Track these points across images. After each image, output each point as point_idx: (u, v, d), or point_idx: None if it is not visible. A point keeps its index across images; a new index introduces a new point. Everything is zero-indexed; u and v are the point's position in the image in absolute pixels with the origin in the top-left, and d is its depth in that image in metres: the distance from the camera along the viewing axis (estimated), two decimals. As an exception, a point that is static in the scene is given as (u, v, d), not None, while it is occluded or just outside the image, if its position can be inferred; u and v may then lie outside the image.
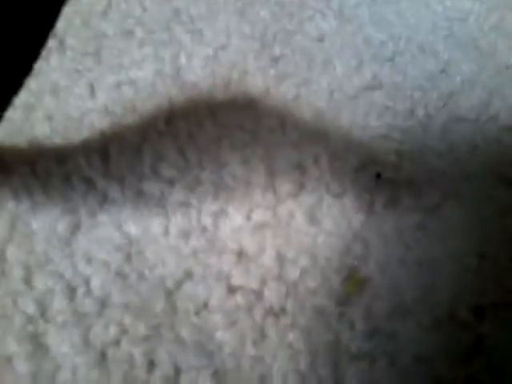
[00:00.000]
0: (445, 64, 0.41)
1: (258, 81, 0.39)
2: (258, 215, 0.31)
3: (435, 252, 0.30)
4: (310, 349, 0.26)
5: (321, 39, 0.42)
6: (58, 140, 0.34)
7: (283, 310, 0.28)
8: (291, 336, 0.27)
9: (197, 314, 0.27)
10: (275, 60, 0.40)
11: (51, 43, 0.40)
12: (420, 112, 0.37)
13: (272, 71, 0.39)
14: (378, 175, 0.33)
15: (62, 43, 0.41)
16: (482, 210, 0.32)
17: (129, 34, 0.42)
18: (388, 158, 0.34)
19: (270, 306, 0.28)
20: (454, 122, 0.37)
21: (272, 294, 0.28)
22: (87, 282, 0.28)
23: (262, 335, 0.27)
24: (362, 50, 0.41)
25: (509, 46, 0.42)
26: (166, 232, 0.30)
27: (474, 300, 0.28)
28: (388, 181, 0.33)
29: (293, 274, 0.29)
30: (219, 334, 0.27)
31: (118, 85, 0.38)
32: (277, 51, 0.41)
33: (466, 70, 0.40)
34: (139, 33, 0.42)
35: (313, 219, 0.31)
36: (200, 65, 0.40)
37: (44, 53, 0.39)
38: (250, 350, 0.26)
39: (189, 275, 0.29)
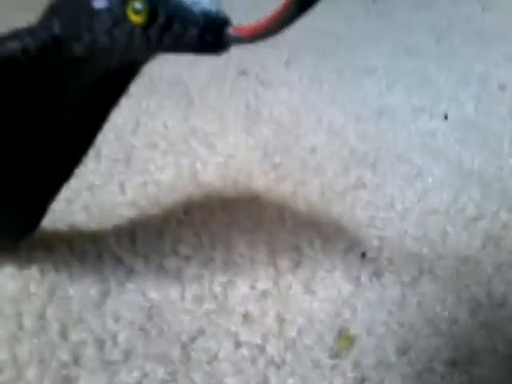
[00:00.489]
0: (418, 169, 0.48)
1: (260, 182, 0.46)
2: (261, 285, 0.36)
3: (414, 317, 0.35)
4: (306, 394, 0.30)
5: (313, 150, 0.51)
6: (92, 225, 0.41)
7: (283, 362, 0.32)
8: (290, 382, 0.31)
9: (208, 363, 0.32)
10: (275, 166, 0.48)
11: (90, 152, 0.48)
12: (398, 206, 0.44)
13: (272, 174, 0.47)
14: (363, 254, 0.39)
15: (98, 153, 0.49)
16: (453, 284, 0.37)
17: (153, 145, 0.50)
18: (372, 242, 0.40)
19: (272, 358, 0.32)
20: (427, 213, 0.43)
21: (273, 349, 0.33)
22: (114, 336, 0.33)
23: (265, 381, 0.31)
24: (348, 159, 0.49)
25: (471, 155, 0.50)
26: (183, 297, 0.35)
27: (450, 356, 0.33)
28: (372, 259, 0.39)
29: (291, 332, 0.34)
30: (228, 380, 0.31)
31: (144, 184, 0.45)
32: (277, 159, 0.49)
33: (437, 173, 0.48)
34: (162, 145, 0.51)
35: (308, 289, 0.36)
36: (213, 169, 0.48)
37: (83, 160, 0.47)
38: (255, 394, 0.30)
39: (201, 332, 0.33)
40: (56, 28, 0.28)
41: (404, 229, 0.42)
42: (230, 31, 0.26)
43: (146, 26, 0.26)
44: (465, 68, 0.68)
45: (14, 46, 0.28)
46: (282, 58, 0.69)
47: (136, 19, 0.26)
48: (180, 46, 0.27)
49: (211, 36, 0.26)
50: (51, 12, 0.28)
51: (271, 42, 0.74)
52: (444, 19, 0.84)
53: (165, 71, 0.65)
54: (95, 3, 0.26)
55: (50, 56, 0.29)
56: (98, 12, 0.26)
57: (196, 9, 0.26)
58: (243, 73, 0.65)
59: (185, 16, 0.25)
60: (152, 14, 0.25)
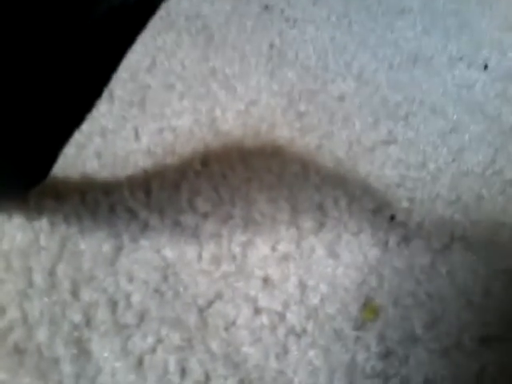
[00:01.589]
0: (454, 124, 0.45)
1: (284, 132, 0.43)
2: (283, 247, 0.34)
3: (443, 288, 0.33)
4: (328, 366, 0.29)
5: (341, 98, 0.47)
6: (105, 175, 0.38)
7: (304, 331, 0.30)
8: (311, 354, 0.29)
9: (226, 329, 0.30)
10: (300, 115, 0.45)
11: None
12: (431, 165, 0.41)
13: (297, 124, 0.44)
14: (392, 217, 0.37)
15: (111, 94, 0.46)
16: (487, 253, 0.35)
17: (170, 87, 0.47)
18: (401, 204, 0.38)
19: (292, 327, 0.31)
20: (462, 174, 0.41)
21: (294, 317, 0.31)
22: (128, 297, 0.31)
23: (285, 351, 0.29)
24: (378, 109, 0.46)
25: (512, 112, 0.47)
26: (200, 257, 0.33)
27: (479, 331, 0.31)
28: (401, 223, 0.37)
29: (314, 299, 0.32)
30: (245, 348, 0.29)
31: (160, 130, 0.42)
32: (302, 107, 0.46)
33: (473, 130, 0.45)
34: (179, 87, 0.47)
35: (332, 253, 0.34)
36: (233, 117, 0.45)
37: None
38: (273, 364, 0.29)
39: (219, 296, 0.32)
40: None
41: (436, 191, 0.39)
42: None
43: None
44: (510, 12, 0.62)
45: None
46: (310, -8, 0.64)
47: None
48: None
49: None
50: None
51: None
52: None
53: (183, 3, 0.60)
54: None
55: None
56: None
57: None
58: (267, 7, 0.60)
59: None
60: None
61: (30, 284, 0.31)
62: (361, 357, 0.29)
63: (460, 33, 0.58)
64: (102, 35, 0.32)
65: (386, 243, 0.35)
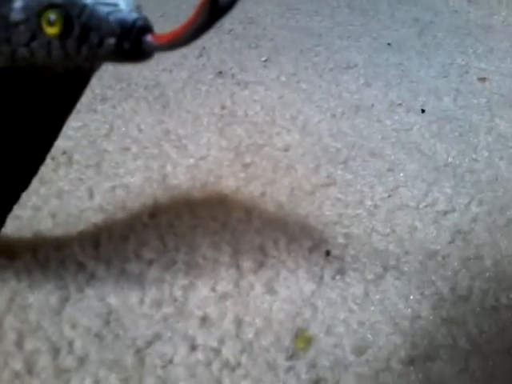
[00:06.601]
0: (390, 164, 0.48)
1: (230, 182, 0.46)
2: (222, 287, 0.36)
3: (375, 316, 0.34)
4: (260, 396, 0.30)
5: (286, 149, 0.50)
6: (58, 232, 0.41)
7: (238, 364, 0.32)
8: (243, 385, 0.30)
9: (162, 367, 0.31)
10: (246, 166, 0.48)
11: (61, 159, 0.48)
12: (368, 202, 0.43)
13: (242, 174, 0.47)
14: (328, 253, 0.39)
15: (69, 159, 0.49)
16: (418, 279, 0.37)
17: (125, 149, 0.50)
18: (337, 240, 0.40)
19: (227, 361, 0.32)
20: (397, 209, 0.43)
21: (229, 351, 0.32)
22: (70, 343, 0.33)
23: (218, 385, 0.30)
24: (320, 156, 0.49)
25: (446, 149, 0.49)
26: (142, 302, 0.35)
27: (408, 353, 0.32)
28: (337, 257, 0.38)
29: (249, 334, 0.33)
30: (180, 384, 0.30)
31: (113, 188, 0.45)
32: (247, 159, 0.49)
33: (409, 168, 0.47)
34: (134, 149, 0.50)
35: (270, 289, 0.36)
36: (182, 172, 0.47)
37: (53, 166, 0.47)
38: (207, 398, 0.30)
39: (158, 336, 0.33)
40: None
41: (371, 226, 0.41)
42: (149, 39, 0.25)
43: (62, 38, 0.25)
44: (446, 60, 0.67)
45: None
46: (262, 57, 0.69)
47: (51, 31, 0.25)
48: (99, 55, 0.26)
49: (129, 45, 0.25)
50: None
51: (252, 41, 0.74)
52: (429, 12, 0.83)
53: (143, 75, 0.65)
54: (12, 15, 0.26)
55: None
56: (16, 24, 0.26)
57: (112, 17, 0.25)
58: (220, 73, 0.65)
59: (101, 26, 0.25)
60: (67, 25, 0.25)
61: (-24, 337, 0.33)
62: (291, 384, 0.30)
63: (400, 82, 0.62)
64: (38, 107, 0.35)
65: (322, 277, 0.37)
